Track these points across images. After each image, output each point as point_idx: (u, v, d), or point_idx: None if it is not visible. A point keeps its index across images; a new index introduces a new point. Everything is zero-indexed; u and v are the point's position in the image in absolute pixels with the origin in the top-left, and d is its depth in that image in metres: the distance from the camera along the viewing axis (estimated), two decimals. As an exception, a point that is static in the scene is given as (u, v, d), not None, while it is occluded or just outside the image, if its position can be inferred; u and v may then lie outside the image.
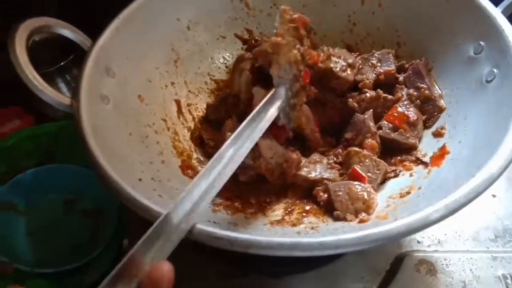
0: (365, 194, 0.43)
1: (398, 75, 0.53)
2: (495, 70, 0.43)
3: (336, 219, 0.43)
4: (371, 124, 0.49)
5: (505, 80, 0.41)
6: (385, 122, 0.49)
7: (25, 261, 0.52)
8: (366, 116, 0.49)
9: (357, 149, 0.47)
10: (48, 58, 0.66)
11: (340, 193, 0.43)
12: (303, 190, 0.49)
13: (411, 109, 0.50)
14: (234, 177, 0.50)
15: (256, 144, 0.42)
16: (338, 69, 0.51)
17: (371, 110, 0.50)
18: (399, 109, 0.50)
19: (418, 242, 0.52)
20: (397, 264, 0.49)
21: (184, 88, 0.58)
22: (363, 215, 0.41)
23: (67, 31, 0.48)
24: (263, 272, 0.50)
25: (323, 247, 0.30)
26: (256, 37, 0.58)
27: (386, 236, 0.31)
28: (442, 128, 0.47)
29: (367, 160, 0.46)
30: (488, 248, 0.51)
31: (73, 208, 0.59)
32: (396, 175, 0.47)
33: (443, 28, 0.51)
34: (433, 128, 0.49)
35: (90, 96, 0.44)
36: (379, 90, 0.51)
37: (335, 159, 0.49)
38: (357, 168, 0.45)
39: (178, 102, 0.56)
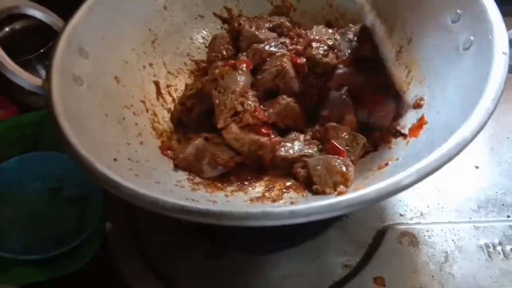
0: (343, 167, 0.43)
1: None
2: (471, 37, 0.42)
3: (316, 193, 0.42)
4: (347, 99, 0.48)
5: (481, 46, 0.40)
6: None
7: (10, 249, 0.52)
8: (342, 92, 0.48)
9: (334, 124, 0.47)
10: (28, 46, 0.66)
11: (319, 167, 0.43)
12: (284, 167, 0.48)
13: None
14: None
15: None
16: (320, 55, 0.51)
17: (346, 87, 0.49)
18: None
19: (401, 215, 0.52)
20: (379, 237, 0.49)
21: (163, 69, 0.57)
22: (341, 187, 0.41)
23: (38, 13, 0.47)
24: (247, 250, 0.51)
25: (294, 215, 0.30)
26: (240, 21, 0.57)
27: (357, 202, 0.31)
28: (421, 99, 0.47)
29: (345, 134, 0.45)
30: (470, 218, 0.52)
31: (58, 195, 0.59)
32: (376, 149, 0.47)
33: (421, -2, 0.51)
34: (412, 100, 0.48)
35: (62, 77, 0.43)
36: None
37: (312, 135, 0.48)
38: (335, 142, 0.44)
39: (157, 84, 0.56)
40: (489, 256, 0.48)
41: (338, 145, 0.44)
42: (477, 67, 0.40)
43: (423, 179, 0.32)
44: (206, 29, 0.61)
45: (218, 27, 0.61)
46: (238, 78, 0.49)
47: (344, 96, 0.48)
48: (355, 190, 0.40)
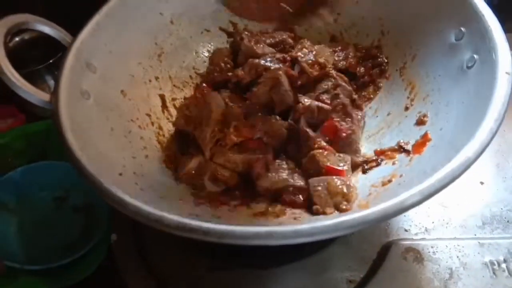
0: (344, 188, 0.42)
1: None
2: (475, 56, 0.43)
3: (316, 213, 0.42)
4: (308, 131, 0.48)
5: (485, 65, 0.41)
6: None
7: (16, 259, 0.52)
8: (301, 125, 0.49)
9: (318, 150, 0.46)
10: (37, 57, 0.67)
11: (319, 188, 0.43)
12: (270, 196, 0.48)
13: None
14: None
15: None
16: (303, 60, 0.52)
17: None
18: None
19: (406, 230, 0.52)
20: (384, 252, 0.49)
21: (168, 83, 0.58)
22: (345, 204, 0.41)
23: (47, 28, 0.48)
24: (251, 265, 0.50)
25: (298, 235, 0.30)
26: (242, 35, 0.58)
27: (361, 222, 0.31)
28: (424, 116, 0.47)
29: (332, 156, 0.45)
30: (475, 235, 0.51)
31: (64, 204, 0.60)
32: (378, 164, 0.47)
33: (426, 15, 0.51)
34: (416, 117, 0.48)
35: (70, 92, 0.43)
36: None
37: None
38: (331, 165, 0.44)
39: (162, 97, 0.56)
40: (494, 273, 0.48)
41: (335, 167, 0.44)
42: (480, 86, 0.40)
43: (427, 200, 0.32)
44: (212, 43, 0.62)
45: (224, 41, 0.62)
46: (209, 107, 0.50)
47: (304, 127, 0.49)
48: (358, 206, 0.41)
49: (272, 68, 0.52)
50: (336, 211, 0.41)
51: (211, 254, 0.51)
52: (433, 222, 0.52)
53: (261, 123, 0.49)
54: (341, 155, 0.46)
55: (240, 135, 0.48)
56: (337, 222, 0.30)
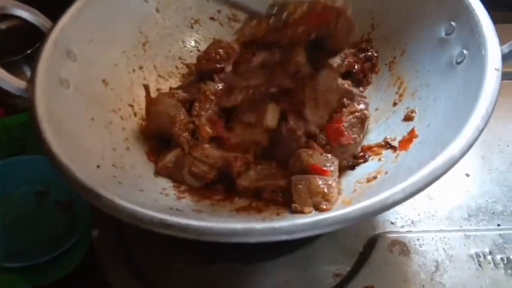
0: (325, 188, 0.41)
1: None
2: (464, 51, 0.42)
3: (294, 211, 0.41)
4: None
5: (474, 60, 0.40)
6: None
7: (-1, 255, 0.51)
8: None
9: (304, 149, 0.45)
10: (14, 47, 0.65)
11: (300, 186, 0.41)
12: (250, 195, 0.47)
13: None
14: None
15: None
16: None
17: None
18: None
19: (392, 223, 0.52)
20: (370, 245, 0.49)
21: (153, 73, 0.56)
22: (325, 204, 0.40)
23: (25, 13, 0.46)
24: (235, 259, 0.50)
25: (277, 232, 0.29)
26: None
27: (341, 220, 0.30)
28: (412, 111, 0.46)
29: (318, 156, 0.44)
30: (461, 227, 0.51)
31: (45, 199, 0.58)
32: (366, 160, 0.46)
33: (416, 9, 0.50)
34: (404, 112, 0.47)
35: (47, 80, 0.42)
36: None
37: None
38: (316, 163, 0.43)
39: (146, 87, 0.54)
40: (480, 265, 0.48)
41: (320, 166, 0.43)
42: (469, 83, 0.39)
43: (409, 198, 0.31)
44: (199, 33, 0.60)
45: (211, 30, 0.61)
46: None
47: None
48: (342, 203, 0.41)
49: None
50: (315, 211, 0.40)
51: (194, 248, 0.50)
52: (419, 215, 0.52)
53: (241, 131, 0.48)
54: (329, 155, 0.45)
55: (215, 129, 0.46)
56: (317, 220, 0.30)
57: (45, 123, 0.38)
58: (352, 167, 0.47)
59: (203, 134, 0.47)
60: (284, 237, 0.30)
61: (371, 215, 0.30)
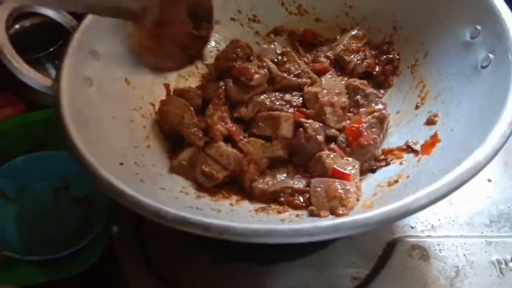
0: (343, 192, 0.41)
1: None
2: (490, 56, 0.41)
3: (311, 214, 0.41)
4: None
5: (500, 65, 0.39)
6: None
7: (15, 249, 0.52)
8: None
9: (326, 152, 0.45)
10: (38, 44, 0.65)
11: (319, 189, 0.41)
12: (265, 200, 0.46)
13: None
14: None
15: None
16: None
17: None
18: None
19: (412, 227, 0.51)
20: (389, 249, 0.48)
21: (174, 72, 0.57)
22: (342, 210, 0.40)
23: (51, 12, 0.47)
24: (252, 260, 0.50)
25: (298, 234, 0.30)
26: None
27: (364, 224, 0.30)
28: (435, 115, 0.46)
29: (339, 159, 0.44)
30: (482, 233, 0.50)
31: (64, 195, 0.59)
32: (387, 164, 0.46)
33: (440, 11, 0.49)
34: (426, 116, 0.47)
35: (72, 78, 0.43)
36: None
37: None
38: (337, 167, 0.43)
39: (167, 86, 0.55)
40: (501, 272, 0.47)
41: (341, 169, 0.43)
42: (494, 88, 0.38)
43: (433, 203, 0.31)
44: (219, 33, 0.60)
45: (232, 31, 0.61)
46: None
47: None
48: (363, 206, 0.40)
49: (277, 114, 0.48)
50: (331, 215, 0.40)
51: (210, 247, 0.51)
52: (439, 220, 0.51)
53: (258, 147, 0.47)
54: (350, 159, 0.45)
55: (230, 130, 0.47)
56: (339, 223, 0.30)
57: (70, 121, 0.39)
58: (373, 170, 0.46)
59: (216, 134, 0.46)
60: (305, 239, 0.30)
61: (394, 220, 0.30)
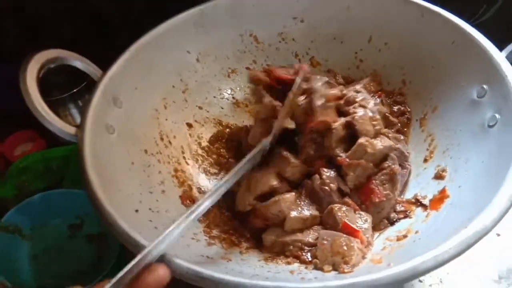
0: (346, 249, 0.40)
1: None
2: (497, 116, 0.42)
3: (314, 267, 0.41)
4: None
5: (507, 126, 0.40)
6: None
7: (27, 285, 0.53)
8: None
9: (338, 205, 0.45)
10: (61, 84, 0.68)
11: (325, 242, 0.41)
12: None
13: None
14: (232, 210, 0.51)
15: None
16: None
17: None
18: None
19: (420, 281, 0.51)
20: (397, 304, 0.48)
21: (190, 117, 0.59)
22: (342, 266, 0.40)
23: (79, 63, 0.50)
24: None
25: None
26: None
27: (371, 285, 0.30)
28: (443, 170, 0.47)
29: (352, 213, 0.44)
30: None
31: (78, 232, 0.60)
32: (406, 216, 0.46)
33: (448, 69, 0.51)
34: (435, 170, 0.48)
35: (95, 126, 0.45)
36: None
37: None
38: (348, 221, 0.43)
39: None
40: (510, 329, 0.46)
41: (351, 224, 0.43)
42: (502, 148, 0.39)
43: (440, 266, 0.31)
44: (235, 82, 0.63)
45: (246, 80, 0.63)
46: None
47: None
48: (371, 261, 0.41)
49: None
50: (333, 271, 0.40)
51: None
52: (448, 273, 0.52)
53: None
54: (362, 213, 0.45)
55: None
56: (347, 284, 0.30)
57: (91, 169, 0.41)
58: (393, 223, 0.46)
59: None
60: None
61: (402, 282, 0.30)
